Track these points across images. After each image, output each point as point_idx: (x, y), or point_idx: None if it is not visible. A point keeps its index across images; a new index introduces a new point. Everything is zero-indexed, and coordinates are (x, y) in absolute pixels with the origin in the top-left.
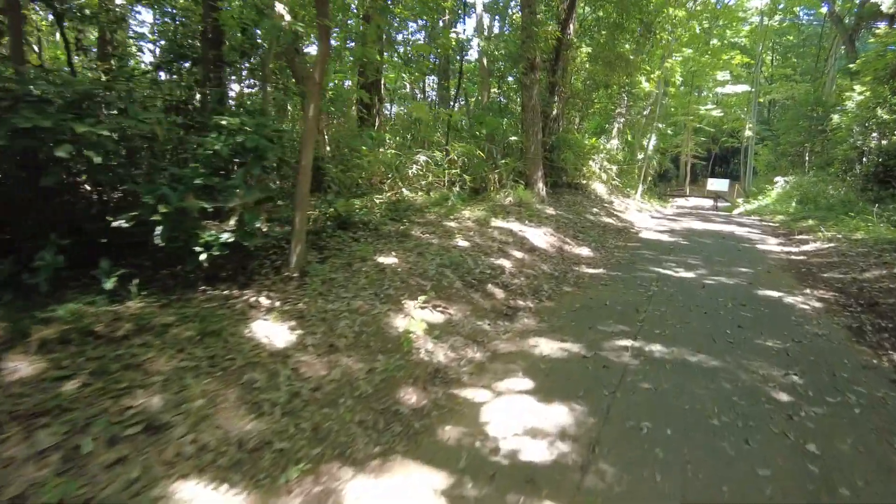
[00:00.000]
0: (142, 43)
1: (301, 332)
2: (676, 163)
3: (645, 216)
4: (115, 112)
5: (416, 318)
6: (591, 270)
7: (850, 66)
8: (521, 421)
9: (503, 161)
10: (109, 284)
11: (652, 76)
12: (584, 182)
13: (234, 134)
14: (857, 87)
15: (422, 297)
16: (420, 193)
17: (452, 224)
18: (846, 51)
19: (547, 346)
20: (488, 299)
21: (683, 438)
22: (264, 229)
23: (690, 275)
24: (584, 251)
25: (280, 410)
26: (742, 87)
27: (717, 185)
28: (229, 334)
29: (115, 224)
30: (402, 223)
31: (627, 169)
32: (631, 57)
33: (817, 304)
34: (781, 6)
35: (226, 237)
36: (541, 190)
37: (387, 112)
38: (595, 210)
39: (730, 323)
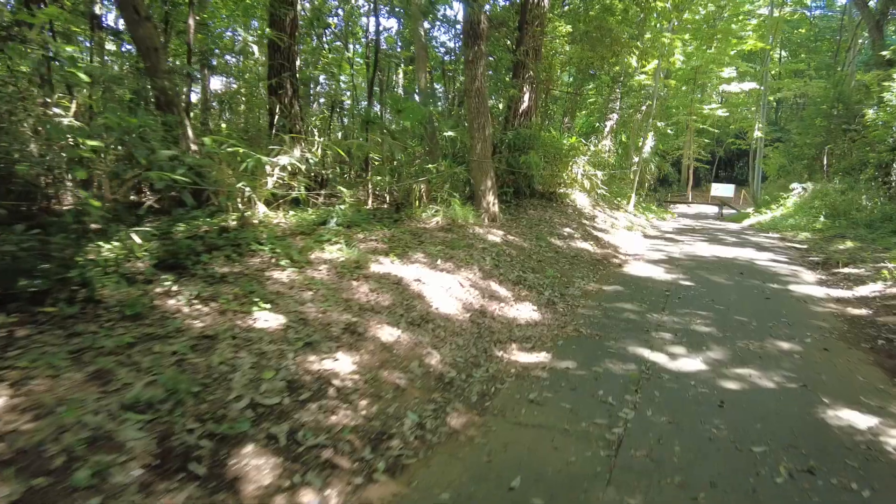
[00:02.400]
0: None
1: None
2: (678, 167)
3: (636, 236)
4: None
5: None
6: (523, 357)
7: (883, 53)
8: None
9: (432, 166)
10: None
11: (645, 62)
12: (563, 191)
13: None
14: None
15: None
16: (292, 213)
17: (284, 275)
18: (872, 40)
19: None
20: None
21: None
22: None
23: (697, 364)
24: (526, 310)
25: None
26: (749, 85)
27: (722, 190)
28: None
29: None
30: (168, 279)
31: (620, 174)
32: (622, 35)
33: None
34: None
35: None
36: (490, 204)
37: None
38: (567, 231)
39: None
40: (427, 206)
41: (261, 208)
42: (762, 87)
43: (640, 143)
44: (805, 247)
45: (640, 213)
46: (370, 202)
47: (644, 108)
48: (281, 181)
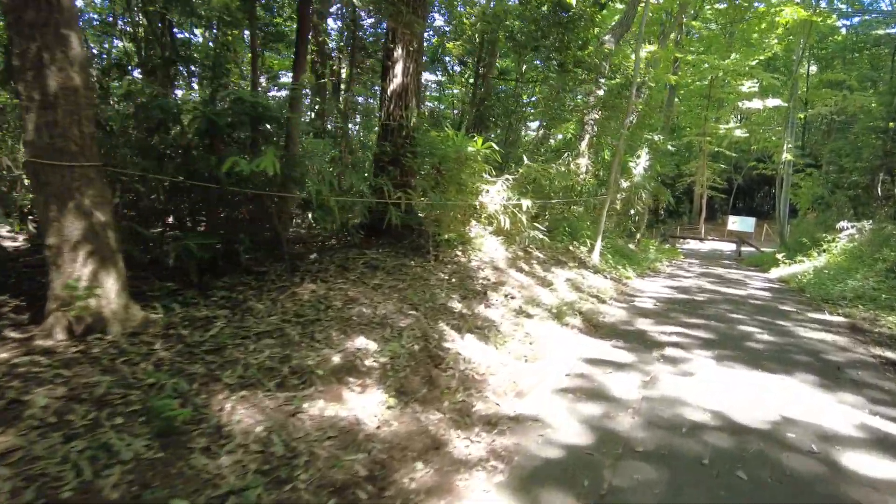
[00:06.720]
0: None
1: None
2: (690, 195)
3: (566, 336)
4: None
5: None
6: None
7: None
8: None
9: None
10: None
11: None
12: (459, 233)
13: None
14: None
15: None
16: None
17: None
18: None
19: None
20: None
21: None
22: None
23: None
24: None
25: None
26: (774, 101)
27: (741, 224)
28: None
29: None
30: None
31: (593, 203)
32: None
33: None
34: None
35: None
36: (72, 290)
37: None
38: (337, 360)
39: None
40: None
41: None
42: (790, 103)
43: (632, 164)
44: None
45: (608, 266)
46: None
47: (632, 117)
48: None
